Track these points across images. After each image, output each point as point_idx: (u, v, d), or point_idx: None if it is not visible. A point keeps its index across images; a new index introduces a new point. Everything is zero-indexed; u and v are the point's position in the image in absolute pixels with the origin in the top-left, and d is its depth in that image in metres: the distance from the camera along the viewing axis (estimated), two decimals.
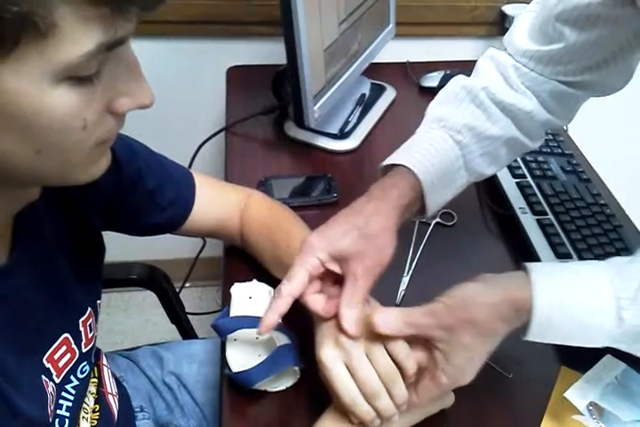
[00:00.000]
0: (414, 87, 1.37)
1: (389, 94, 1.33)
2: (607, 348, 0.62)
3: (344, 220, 0.69)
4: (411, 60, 1.45)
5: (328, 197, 1.03)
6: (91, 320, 0.70)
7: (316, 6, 0.98)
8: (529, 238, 0.94)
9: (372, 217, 0.68)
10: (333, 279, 0.69)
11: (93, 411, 0.74)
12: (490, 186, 1.07)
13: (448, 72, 1.34)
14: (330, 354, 0.63)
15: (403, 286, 0.89)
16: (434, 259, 0.94)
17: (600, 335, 0.59)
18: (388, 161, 0.75)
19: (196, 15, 1.38)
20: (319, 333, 0.66)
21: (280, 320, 0.76)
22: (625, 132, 1.74)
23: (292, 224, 0.83)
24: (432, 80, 1.35)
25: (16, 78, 0.40)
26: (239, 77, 1.38)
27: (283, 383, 0.74)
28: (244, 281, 0.83)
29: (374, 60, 1.29)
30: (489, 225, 1.02)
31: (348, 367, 0.62)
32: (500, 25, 1.50)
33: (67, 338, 0.64)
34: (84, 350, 0.68)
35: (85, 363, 0.68)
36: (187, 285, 1.42)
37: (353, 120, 1.23)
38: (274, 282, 0.82)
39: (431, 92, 1.15)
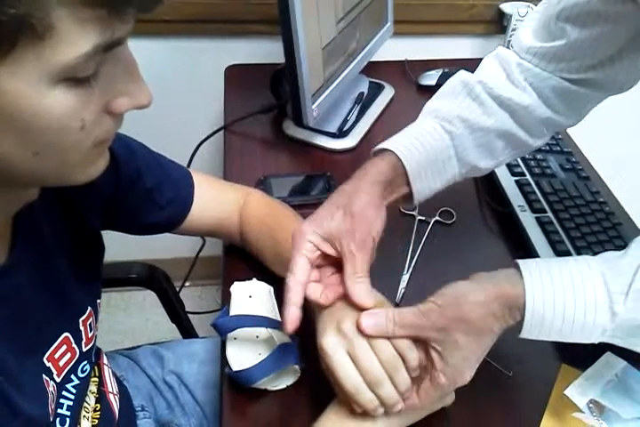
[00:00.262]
0: (412, 85, 1.37)
1: (388, 93, 1.33)
2: (607, 345, 0.62)
3: (328, 203, 0.70)
4: (409, 59, 1.45)
5: (327, 195, 1.02)
6: (91, 320, 0.70)
7: (313, 4, 0.97)
8: (528, 236, 0.94)
9: (353, 195, 0.69)
10: (331, 270, 0.70)
11: (94, 410, 0.74)
12: (489, 184, 1.07)
13: (446, 70, 1.34)
14: (331, 342, 0.62)
15: (402, 284, 0.89)
16: (433, 257, 0.94)
17: (594, 331, 0.59)
18: (376, 148, 0.76)
19: (193, 14, 1.37)
20: (320, 321, 0.66)
21: (280, 319, 0.77)
22: (624, 130, 1.74)
23: (292, 221, 0.83)
24: (430, 78, 1.35)
25: (14, 80, 0.40)
26: (237, 76, 1.38)
27: (283, 382, 0.75)
28: (244, 280, 0.83)
29: (372, 59, 1.29)
30: (488, 223, 1.02)
31: (350, 355, 0.61)
32: (498, 23, 1.50)
33: (67, 337, 0.64)
34: (84, 350, 0.68)
35: (86, 362, 0.69)
36: (186, 284, 1.42)
37: (351, 119, 1.23)
38: (273, 281, 0.82)
39: (429, 91, 1.15)
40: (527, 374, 0.78)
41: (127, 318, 1.87)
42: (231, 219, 0.87)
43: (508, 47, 0.81)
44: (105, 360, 0.83)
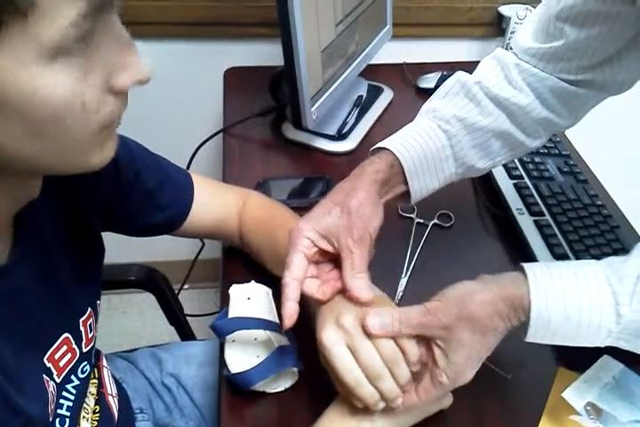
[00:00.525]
0: (411, 88, 1.38)
1: (386, 96, 1.34)
2: (605, 348, 0.62)
3: (325, 200, 0.71)
4: (408, 62, 1.45)
5: None
6: (91, 320, 0.70)
7: (312, 7, 0.98)
8: (526, 239, 0.94)
9: (350, 192, 0.69)
10: (329, 266, 0.70)
11: (94, 412, 0.74)
12: (487, 187, 1.08)
13: (445, 73, 1.34)
14: (331, 336, 0.62)
15: (401, 287, 0.89)
16: (432, 260, 0.94)
17: (600, 333, 0.59)
18: (373, 147, 0.77)
19: (193, 17, 1.38)
20: (319, 316, 0.65)
21: (278, 321, 0.77)
22: (622, 133, 1.75)
23: (291, 223, 0.83)
24: (429, 81, 1.35)
25: (7, 61, 0.39)
26: (237, 79, 1.38)
27: (281, 384, 0.75)
28: (243, 282, 0.83)
29: (371, 62, 1.29)
30: (486, 226, 1.03)
31: (349, 349, 0.61)
32: (497, 26, 1.50)
33: (67, 338, 0.64)
34: (84, 350, 0.68)
35: (86, 363, 0.69)
36: (185, 286, 1.42)
37: (350, 121, 1.23)
38: (272, 283, 0.82)
39: (428, 93, 1.14)
40: (525, 377, 0.78)
41: (126, 320, 1.86)
42: (230, 220, 0.87)
43: (507, 50, 0.81)
44: (104, 362, 0.84)
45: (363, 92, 1.31)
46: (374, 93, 1.33)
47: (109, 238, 0.77)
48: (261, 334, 0.77)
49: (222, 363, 0.76)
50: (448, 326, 0.61)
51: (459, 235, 1.00)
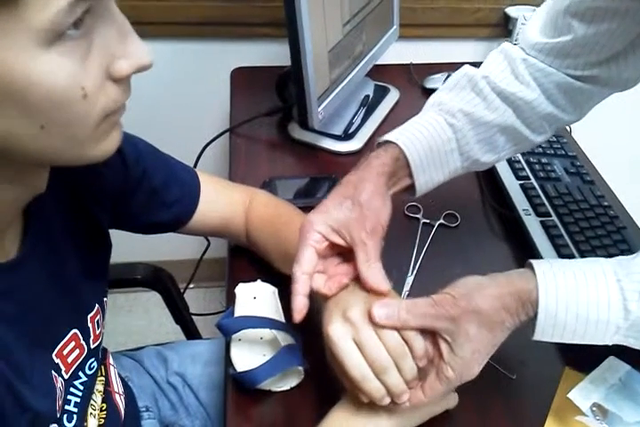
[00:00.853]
0: (418, 89, 1.38)
1: (393, 96, 1.34)
2: (611, 349, 0.62)
3: (334, 194, 0.70)
4: (414, 62, 1.45)
5: None
6: (98, 317, 0.70)
7: (320, 7, 0.98)
8: (532, 240, 0.94)
9: (359, 185, 0.69)
10: (337, 260, 0.70)
11: (101, 409, 0.74)
12: (493, 187, 1.08)
13: (451, 74, 1.33)
14: (338, 330, 0.62)
15: (407, 287, 0.89)
16: (438, 260, 0.94)
17: (608, 330, 0.59)
18: (379, 140, 0.77)
19: (200, 17, 1.38)
20: (326, 311, 0.65)
21: (284, 320, 0.77)
22: (628, 134, 1.74)
23: (298, 221, 0.84)
24: (435, 82, 1.35)
25: (4, 49, 0.39)
26: (243, 79, 1.38)
27: (287, 383, 0.75)
28: (249, 281, 0.84)
29: (378, 62, 1.29)
30: (492, 226, 1.03)
31: (356, 343, 0.61)
32: (504, 27, 1.50)
33: (75, 334, 0.64)
34: (92, 347, 0.68)
35: (93, 359, 0.69)
36: (191, 286, 1.42)
37: (357, 121, 1.23)
38: (278, 282, 0.82)
39: None
40: (530, 378, 0.78)
41: (131, 319, 1.87)
42: (237, 219, 0.87)
43: None
44: (111, 360, 0.84)
45: (369, 92, 1.32)
46: (381, 94, 1.33)
47: (116, 238, 0.77)
48: (267, 333, 0.77)
49: (228, 362, 0.76)
50: (455, 318, 0.60)
51: (465, 235, 1.00)
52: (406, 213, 1.01)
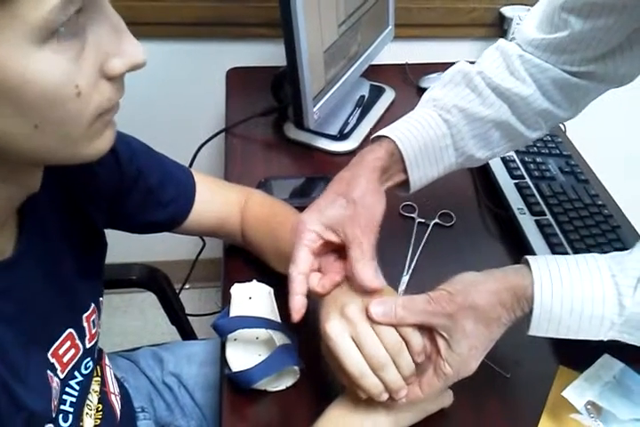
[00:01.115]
0: (413, 89, 1.38)
1: (388, 96, 1.34)
2: (605, 347, 0.62)
3: (328, 191, 0.70)
4: (409, 62, 1.45)
5: None
6: (94, 316, 0.70)
7: (315, 8, 0.98)
8: (527, 239, 0.94)
9: (352, 181, 0.69)
10: (332, 257, 0.70)
11: (97, 410, 0.74)
12: (488, 187, 1.08)
13: None
14: (335, 327, 0.62)
15: (402, 286, 0.89)
16: (433, 259, 0.94)
17: (602, 325, 0.59)
18: (374, 135, 0.77)
19: (195, 17, 1.38)
20: (323, 308, 0.66)
21: (280, 320, 0.77)
22: (623, 133, 1.75)
23: (293, 220, 0.84)
24: (431, 82, 1.35)
25: None
26: (239, 79, 1.38)
27: (283, 383, 0.75)
28: (244, 281, 0.84)
29: (373, 62, 1.29)
30: (487, 226, 1.03)
31: (353, 340, 0.61)
32: (499, 27, 1.51)
33: (71, 333, 0.64)
34: (87, 346, 0.68)
35: (89, 359, 0.69)
36: (186, 286, 1.42)
37: (352, 121, 1.23)
38: (274, 282, 0.82)
39: None
40: (525, 376, 0.78)
41: (127, 319, 1.87)
42: (232, 218, 0.87)
43: None
44: (107, 361, 0.84)
45: (365, 92, 1.32)
46: (376, 94, 1.33)
47: (111, 238, 0.77)
48: (263, 332, 0.77)
49: (224, 362, 0.76)
50: (452, 314, 0.61)
51: (460, 234, 1.00)
52: (401, 212, 1.02)
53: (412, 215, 1.01)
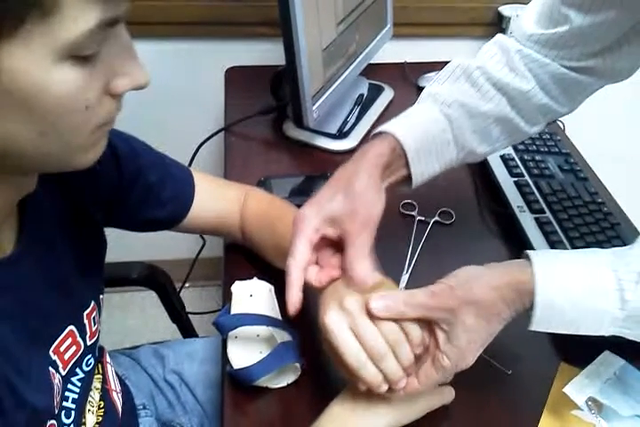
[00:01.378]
0: (412, 87, 1.38)
1: (387, 94, 1.34)
2: (606, 344, 0.62)
3: (328, 186, 0.70)
4: (408, 61, 1.46)
5: None
6: (94, 314, 0.70)
7: (313, 7, 0.98)
8: (527, 237, 0.95)
9: (352, 176, 0.69)
10: (330, 251, 0.70)
11: (99, 407, 0.74)
12: (488, 185, 1.08)
13: None
14: (334, 319, 0.62)
15: (402, 284, 0.89)
16: (433, 257, 0.94)
17: (604, 320, 0.59)
18: (375, 131, 0.77)
19: (194, 16, 1.38)
20: (322, 301, 0.66)
21: (281, 317, 0.77)
22: (622, 131, 1.75)
23: (292, 215, 0.84)
24: (429, 80, 1.33)
25: (22, 57, 0.41)
26: (238, 78, 1.38)
27: (284, 380, 0.75)
28: (245, 279, 0.84)
29: (372, 61, 1.30)
30: (487, 224, 1.03)
31: (352, 331, 0.61)
32: (498, 26, 1.51)
33: (72, 330, 0.65)
34: (88, 343, 0.68)
35: (90, 356, 0.69)
36: (186, 285, 1.42)
37: (351, 120, 1.23)
38: (274, 280, 0.82)
39: None
40: (526, 373, 0.78)
41: (127, 318, 1.87)
42: (232, 216, 0.87)
43: None
44: (108, 359, 0.84)
45: (364, 91, 1.32)
46: (375, 92, 1.34)
47: (111, 237, 0.77)
48: (264, 330, 0.77)
49: (225, 359, 0.76)
50: (453, 309, 0.61)
51: (460, 232, 1.00)
52: (401, 210, 1.02)
53: (412, 213, 1.01)
